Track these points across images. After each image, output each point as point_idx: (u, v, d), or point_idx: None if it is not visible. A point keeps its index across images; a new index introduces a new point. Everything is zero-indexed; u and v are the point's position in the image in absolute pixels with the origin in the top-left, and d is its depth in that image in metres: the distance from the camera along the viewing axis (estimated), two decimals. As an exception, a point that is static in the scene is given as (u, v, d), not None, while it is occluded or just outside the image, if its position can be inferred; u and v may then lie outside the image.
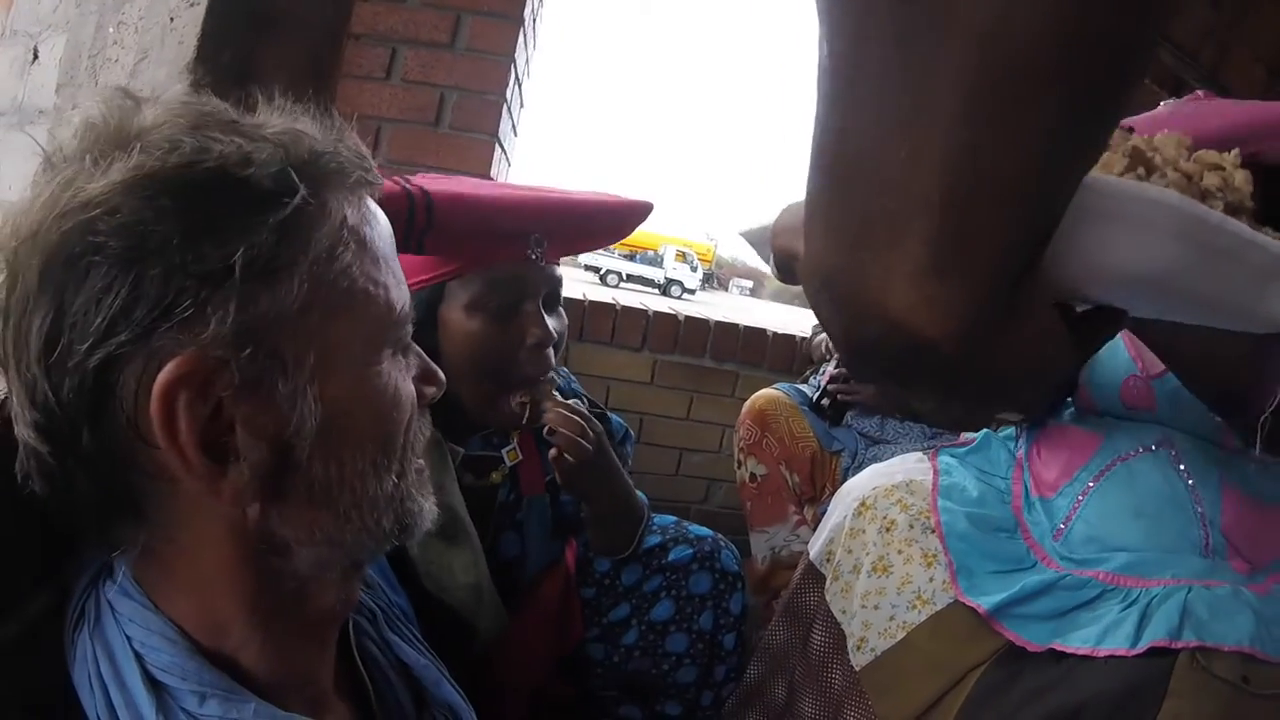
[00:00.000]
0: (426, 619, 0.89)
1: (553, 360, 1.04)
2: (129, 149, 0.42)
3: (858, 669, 1.13)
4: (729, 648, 1.25)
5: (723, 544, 1.27)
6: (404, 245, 0.91)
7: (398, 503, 0.52)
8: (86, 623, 0.46)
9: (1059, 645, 0.98)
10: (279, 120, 0.48)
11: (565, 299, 2.28)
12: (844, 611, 1.19)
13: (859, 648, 1.14)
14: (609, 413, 1.30)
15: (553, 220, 1.01)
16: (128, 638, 0.45)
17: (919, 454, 1.33)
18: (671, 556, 1.22)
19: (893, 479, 1.23)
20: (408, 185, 0.91)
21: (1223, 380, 0.90)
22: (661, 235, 26.48)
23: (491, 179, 1.97)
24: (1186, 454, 1.06)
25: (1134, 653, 0.92)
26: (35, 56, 1.31)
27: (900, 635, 1.11)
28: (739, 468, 1.86)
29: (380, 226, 0.52)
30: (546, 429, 1.02)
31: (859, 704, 1.13)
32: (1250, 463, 1.01)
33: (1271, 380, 0.81)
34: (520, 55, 2.08)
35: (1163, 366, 1.03)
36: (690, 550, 1.23)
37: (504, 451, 1.13)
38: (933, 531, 1.14)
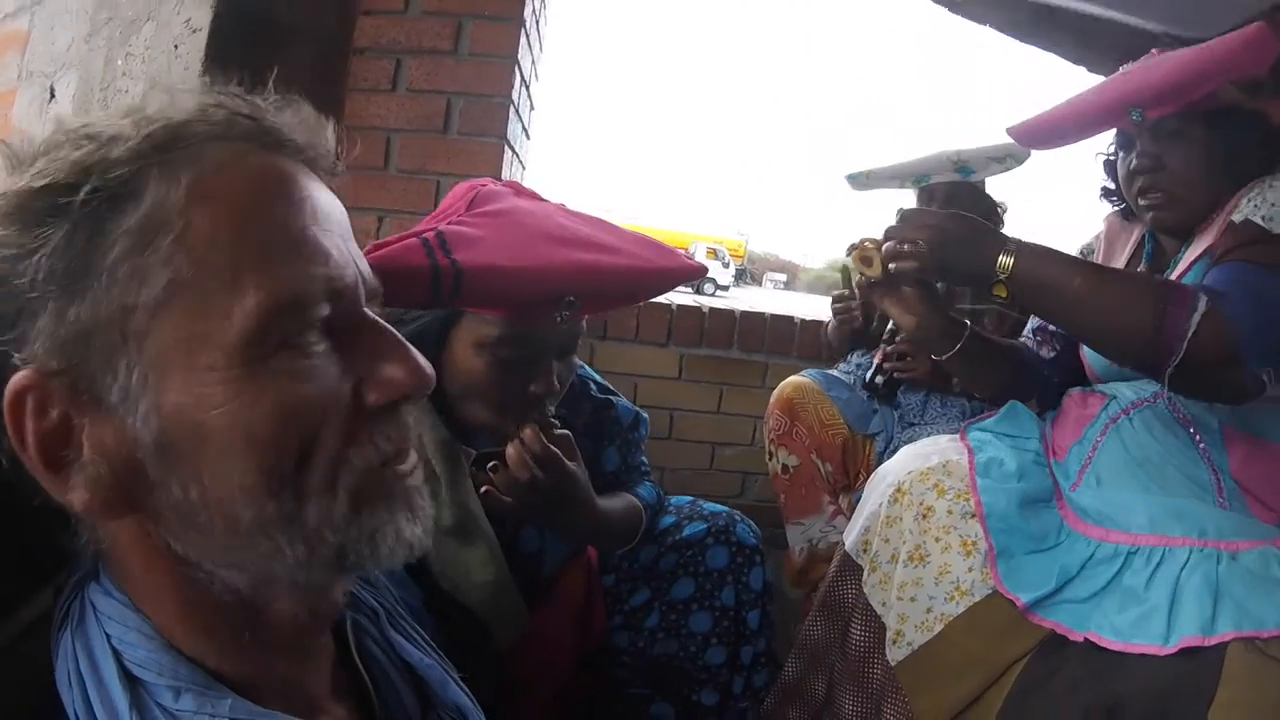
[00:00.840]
0: (443, 618, 0.89)
1: (549, 407, 1.02)
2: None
3: (894, 664, 1.09)
4: (753, 626, 1.21)
5: (738, 518, 1.24)
6: (427, 308, 0.94)
7: (312, 533, 0.44)
8: (70, 622, 0.46)
9: (1094, 636, 0.94)
10: (156, 105, 0.45)
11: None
12: (884, 604, 1.14)
13: (895, 641, 1.09)
14: (615, 398, 1.25)
15: (591, 286, 0.97)
16: (107, 635, 0.44)
17: (950, 435, 1.29)
18: (685, 533, 1.20)
19: (928, 461, 1.18)
20: (436, 257, 0.87)
21: (1123, 347, 0.96)
22: (692, 234, 26.46)
23: (531, 192, 1.94)
24: (1184, 402, 1.03)
25: (1167, 651, 0.87)
26: (52, 95, 1.32)
27: (938, 628, 1.06)
28: (770, 459, 1.81)
29: (264, 196, 0.45)
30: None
31: (896, 700, 1.09)
32: (1255, 404, 0.96)
33: (1171, 340, 0.89)
34: (524, 57, 2.06)
35: None
36: (704, 525, 1.20)
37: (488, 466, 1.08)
38: (972, 516, 1.09)
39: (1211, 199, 1.05)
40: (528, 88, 2.18)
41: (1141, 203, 1.13)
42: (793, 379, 1.82)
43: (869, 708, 1.14)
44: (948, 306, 1.62)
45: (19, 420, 0.41)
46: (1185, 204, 1.09)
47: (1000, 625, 1.01)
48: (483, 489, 0.97)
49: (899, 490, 1.17)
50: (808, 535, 1.76)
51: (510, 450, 0.95)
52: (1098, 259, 1.30)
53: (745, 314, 2.32)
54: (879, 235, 1.12)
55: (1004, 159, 1.73)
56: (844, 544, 1.25)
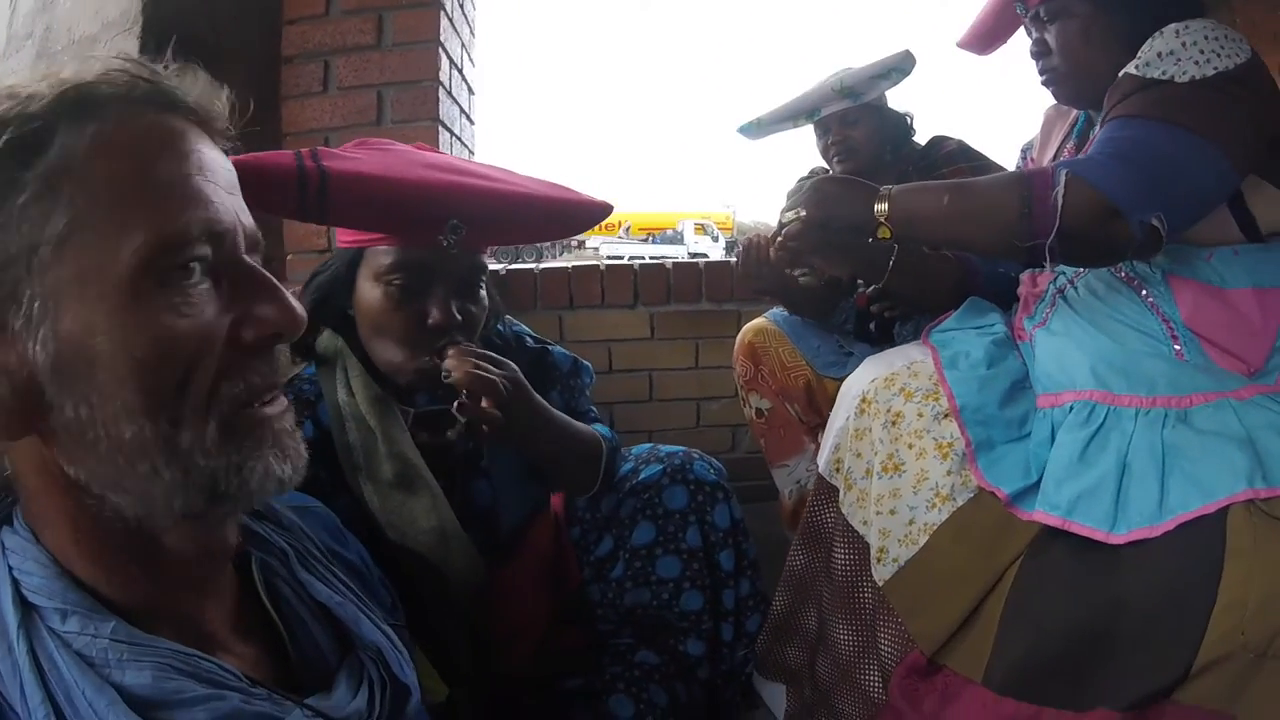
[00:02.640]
0: (397, 570, 0.91)
1: (457, 339, 1.00)
2: None
3: (881, 584, 1.03)
4: (728, 568, 1.17)
5: (696, 456, 1.22)
6: (300, 216, 0.97)
7: (185, 456, 0.48)
8: None
9: (1076, 526, 0.90)
10: (70, 70, 0.50)
11: (549, 268, 2.28)
12: (864, 523, 1.09)
13: (879, 559, 1.04)
14: (550, 345, 1.25)
15: (473, 208, 0.98)
16: (9, 567, 0.49)
17: (913, 343, 1.25)
18: (642, 476, 1.18)
19: (892, 367, 1.14)
20: (303, 159, 0.90)
21: (1003, 243, 0.95)
22: (678, 212, 26.36)
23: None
24: (1126, 263, 1.00)
25: (1160, 530, 0.84)
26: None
27: (922, 540, 1.01)
28: (744, 406, 1.77)
29: (155, 148, 0.49)
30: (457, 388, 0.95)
31: (889, 624, 1.03)
32: (1200, 250, 0.96)
33: (1041, 219, 0.89)
34: (449, 40, 2.04)
35: None
36: (660, 466, 1.18)
37: (454, 406, 1.05)
38: (945, 416, 1.04)
39: (1111, 67, 1.03)
40: (459, 70, 2.17)
41: (1044, 87, 1.13)
42: (753, 323, 1.77)
43: (864, 636, 1.09)
44: None
45: None
46: (1076, 79, 1.08)
47: (989, 527, 0.97)
48: (453, 430, 0.96)
49: (864, 400, 1.12)
50: (794, 476, 1.72)
51: (456, 373, 0.95)
52: (1035, 150, 1.28)
53: (710, 264, 2.27)
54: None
55: (888, 74, 1.70)
56: (817, 466, 1.21)
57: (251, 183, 0.94)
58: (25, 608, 0.48)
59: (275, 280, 0.53)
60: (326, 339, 1.05)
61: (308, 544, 0.66)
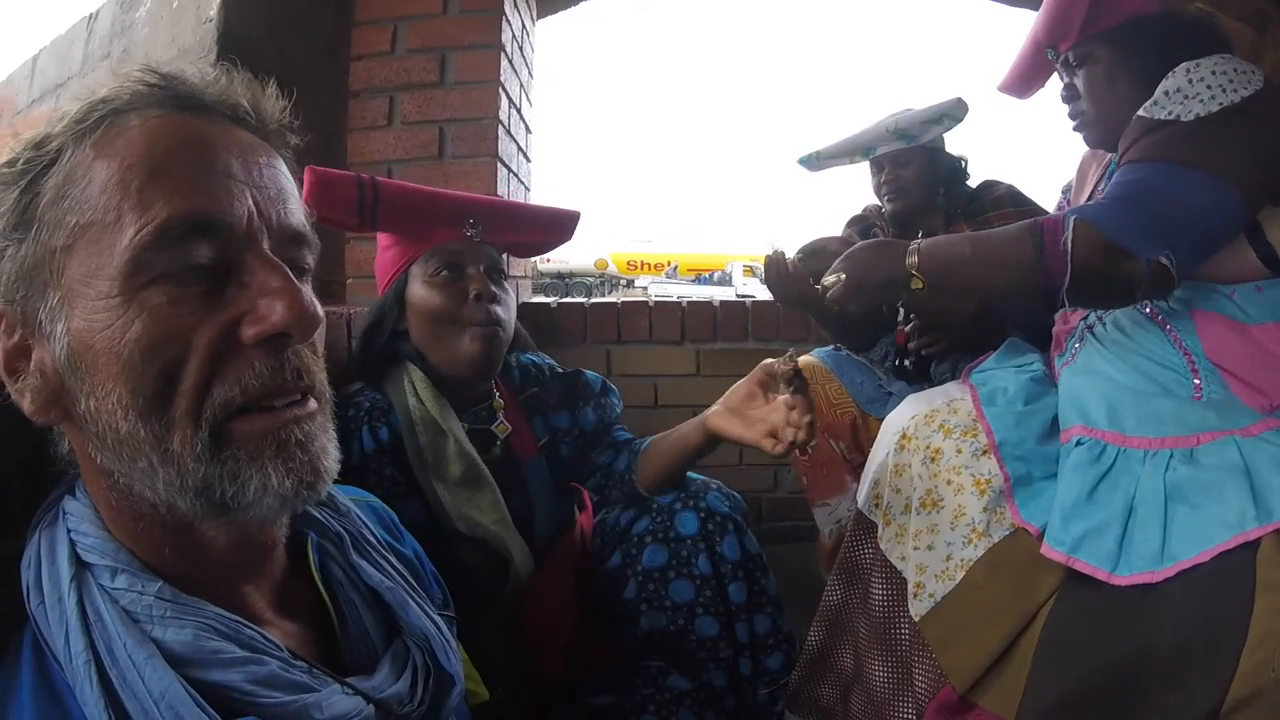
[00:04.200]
0: (458, 562, 1.02)
1: (498, 312, 1.18)
2: None
3: (917, 619, 1.03)
4: (738, 600, 1.16)
5: (714, 486, 1.24)
6: (360, 219, 1.17)
7: (177, 459, 0.48)
8: (44, 522, 0.54)
9: (1080, 564, 0.89)
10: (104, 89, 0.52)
11: (599, 303, 2.31)
12: (902, 558, 1.09)
13: (916, 594, 1.04)
14: (582, 370, 1.40)
15: (483, 209, 1.25)
16: (68, 529, 0.52)
17: (953, 381, 1.26)
18: (659, 499, 1.23)
19: (932, 404, 1.15)
20: (361, 178, 1.16)
21: (1021, 286, 1.02)
22: (727, 254, 26.39)
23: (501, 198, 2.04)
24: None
25: (1161, 576, 0.83)
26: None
27: (959, 575, 1.00)
28: (790, 443, 1.80)
29: (148, 148, 0.50)
30: None
31: (924, 659, 1.03)
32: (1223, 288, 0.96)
33: (1054, 263, 0.94)
34: (509, 80, 2.13)
35: None
36: (676, 492, 1.22)
37: (494, 426, 1.23)
38: (983, 453, 1.05)
39: (1135, 111, 1.03)
40: (518, 109, 2.24)
41: (1074, 132, 1.16)
42: (800, 359, 1.80)
43: (899, 672, 1.08)
44: None
45: None
46: (1103, 124, 1.11)
47: (1024, 563, 0.96)
48: (496, 447, 1.21)
49: (904, 436, 1.13)
50: (835, 515, 1.71)
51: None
52: (1072, 193, 1.30)
53: (757, 303, 2.30)
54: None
55: (940, 119, 1.72)
56: (856, 501, 1.21)
57: (322, 195, 1.12)
58: (79, 565, 0.50)
59: (289, 275, 0.52)
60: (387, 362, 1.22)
61: (364, 530, 0.67)
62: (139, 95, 0.52)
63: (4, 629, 0.51)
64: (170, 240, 0.48)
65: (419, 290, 1.19)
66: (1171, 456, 0.90)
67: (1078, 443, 0.98)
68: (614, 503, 1.28)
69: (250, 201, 0.52)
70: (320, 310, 0.52)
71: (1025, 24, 1.29)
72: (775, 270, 1.57)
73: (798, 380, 1.12)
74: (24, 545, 0.53)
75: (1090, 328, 1.09)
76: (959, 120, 1.73)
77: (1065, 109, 1.15)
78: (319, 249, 0.58)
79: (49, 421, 0.51)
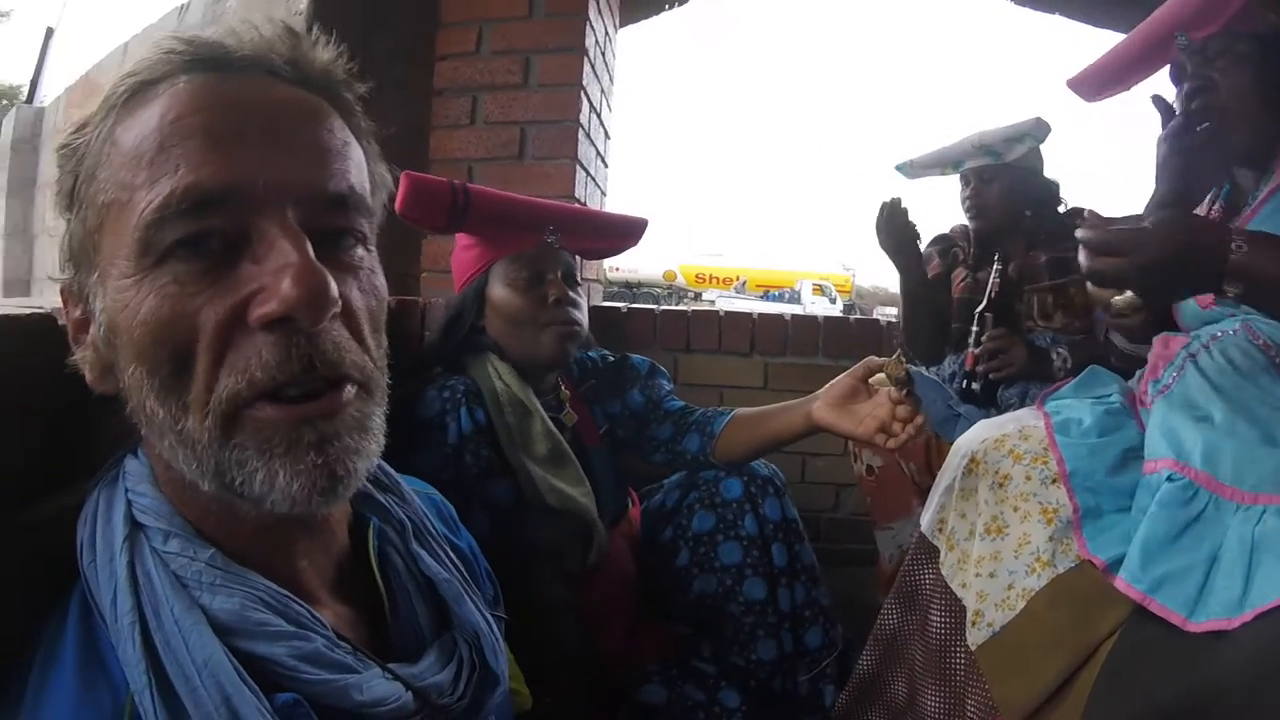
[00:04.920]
0: (548, 538, 1.08)
1: (574, 315, 1.24)
2: None
3: (974, 648, 1.00)
4: (780, 563, 1.25)
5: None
6: (450, 222, 1.23)
7: (191, 442, 0.47)
8: (105, 480, 0.54)
9: (1156, 605, 0.85)
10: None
11: (669, 310, 2.31)
12: (964, 585, 1.06)
13: (974, 623, 1.01)
14: (627, 355, 1.48)
15: (563, 217, 1.31)
16: (126, 488, 0.52)
17: (1027, 408, 1.22)
18: (704, 474, 1.34)
19: (1004, 429, 1.11)
20: (453, 183, 1.21)
21: None
22: (797, 272, 26.13)
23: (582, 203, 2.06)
24: (1262, 326, 0.97)
25: (1237, 622, 0.79)
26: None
27: (1020, 605, 0.97)
28: (855, 462, 1.75)
29: (158, 121, 0.47)
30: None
31: (979, 690, 1.00)
32: None
33: None
34: (590, 84, 2.15)
35: None
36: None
37: (561, 415, 1.29)
38: (1053, 481, 1.01)
39: (1276, 124, 0.98)
40: (598, 114, 2.26)
41: (1199, 129, 1.06)
42: (875, 376, 1.76)
43: (952, 702, 1.05)
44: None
45: (66, 312, 0.53)
46: (1244, 123, 1.03)
47: (1088, 596, 0.93)
48: (566, 433, 1.26)
49: (973, 460, 1.09)
50: (898, 540, 1.67)
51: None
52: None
53: (830, 319, 2.27)
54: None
55: (1023, 138, 1.69)
56: (919, 525, 1.18)
57: (416, 199, 1.17)
58: (133, 525, 0.50)
59: (306, 248, 0.46)
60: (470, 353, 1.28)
61: (426, 521, 0.66)
62: (163, 62, 0.49)
63: (56, 586, 0.52)
64: (174, 215, 0.45)
65: (500, 291, 1.25)
66: (1265, 511, 0.85)
67: (1169, 478, 0.93)
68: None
69: (272, 165, 0.47)
70: (335, 291, 0.46)
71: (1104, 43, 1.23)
72: (889, 213, 1.66)
73: (909, 382, 1.13)
74: (83, 500, 0.54)
75: (1193, 356, 1.04)
76: (1040, 140, 1.71)
77: (1188, 102, 1.07)
78: (377, 214, 0.55)
79: (106, 390, 0.51)
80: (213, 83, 0.48)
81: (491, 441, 1.17)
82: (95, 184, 0.48)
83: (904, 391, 1.13)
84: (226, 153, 0.46)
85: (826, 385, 1.22)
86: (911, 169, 1.83)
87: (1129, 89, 1.23)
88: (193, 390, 0.46)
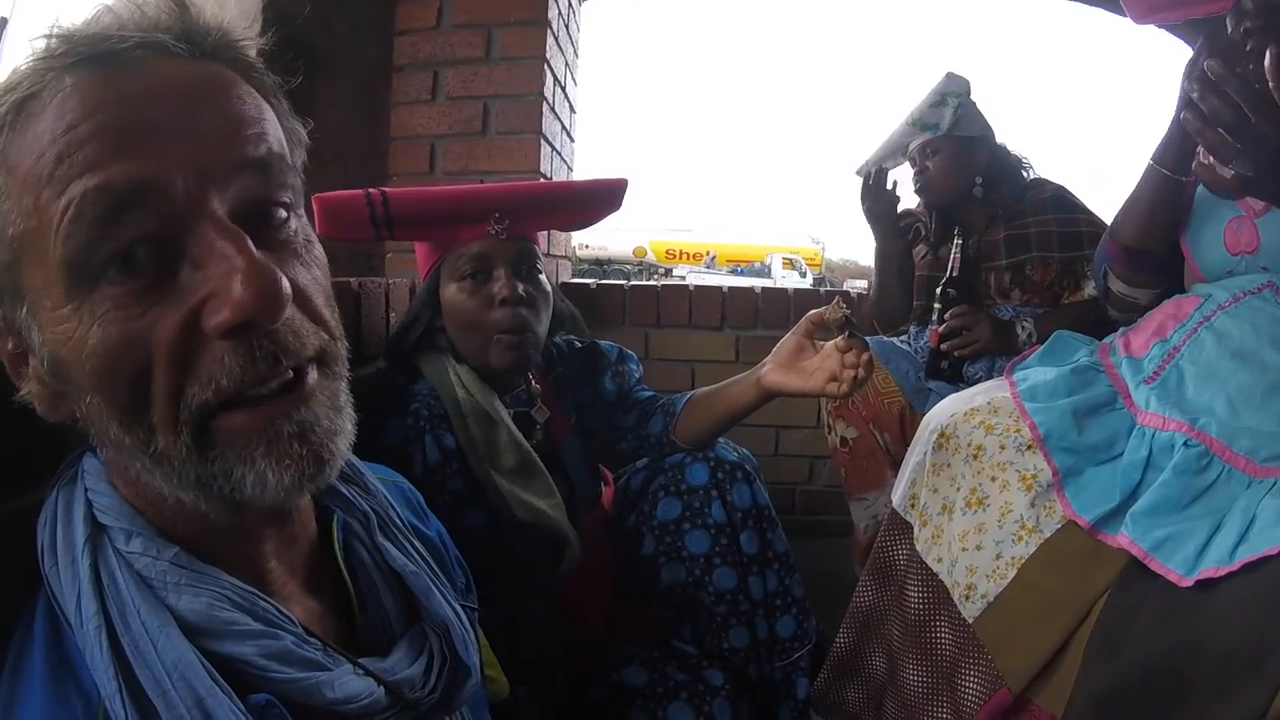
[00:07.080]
0: (521, 553, 1.06)
1: (525, 316, 1.14)
2: None
3: (970, 621, 1.00)
4: (750, 551, 1.20)
5: (722, 441, 1.30)
6: (377, 233, 1.15)
7: (166, 460, 0.45)
8: (62, 481, 0.52)
9: (1156, 564, 0.85)
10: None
11: (639, 285, 2.29)
12: (939, 560, 1.06)
13: (968, 597, 1.01)
14: (597, 341, 1.40)
15: (508, 202, 1.16)
16: (86, 489, 0.50)
17: (995, 380, 1.22)
18: (670, 458, 1.28)
19: (972, 402, 1.11)
20: (369, 193, 1.11)
21: None
22: (766, 246, 26.21)
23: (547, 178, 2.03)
24: None
25: (1225, 570, 0.80)
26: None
27: (1011, 574, 0.97)
28: (829, 433, 1.74)
29: (47, 132, 0.42)
30: None
31: (977, 662, 0.99)
32: None
33: None
34: (554, 58, 2.11)
35: (1264, 205, 0.96)
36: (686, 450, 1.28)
37: (533, 411, 1.23)
38: (1027, 448, 1.01)
39: None
40: (562, 88, 2.23)
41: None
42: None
43: (936, 677, 1.06)
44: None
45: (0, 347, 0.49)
46: None
47: (1078, 556, 0.93)
48: (537, 430, 1.20)
49: (943, 435, 1.10)
50: (872, 511, 1.67)
51: None
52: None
53: (800, 291, 2.27)
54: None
55: (944, 99, 1.66)
56: (891, 501, 1.18)
57: (332, 219, 1.11)
58: (95, 526, 0.48)
59: (247, 244, 0.44)
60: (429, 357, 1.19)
61: (390, 512, 0.65)
62: (42, 69, 0.44)
63: (20, 591, 0.50)
64: (89, 225, 0.41)
65: (449, 291, 1.17)
66: (1276, 483, 0.86)
67: (1184, 443, 0.93)
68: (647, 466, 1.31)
69: (185, 152, 0.44)
70: (287, 286, 0.44)
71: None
72: (872, 180, 1.70)
73: (850, 324, 1.09)
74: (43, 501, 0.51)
75: (1208, 319, 1.03)
76: (961, 95, 1.67)
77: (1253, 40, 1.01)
78: (298, 171, 0.51)
79: (61, 419, 0.48)
80: (102, 79, 0.43)
81: (461, 465, 1.11)
82: (2, 219, 0.44)
83: (847, 335, 1.10)
84: (133, 148, 0.42)
85: (773, 349, 1.20)
86: (868, 167, 1.81)
87: (1180, 20, 1.17)
88: (156, 411, 0.44)
